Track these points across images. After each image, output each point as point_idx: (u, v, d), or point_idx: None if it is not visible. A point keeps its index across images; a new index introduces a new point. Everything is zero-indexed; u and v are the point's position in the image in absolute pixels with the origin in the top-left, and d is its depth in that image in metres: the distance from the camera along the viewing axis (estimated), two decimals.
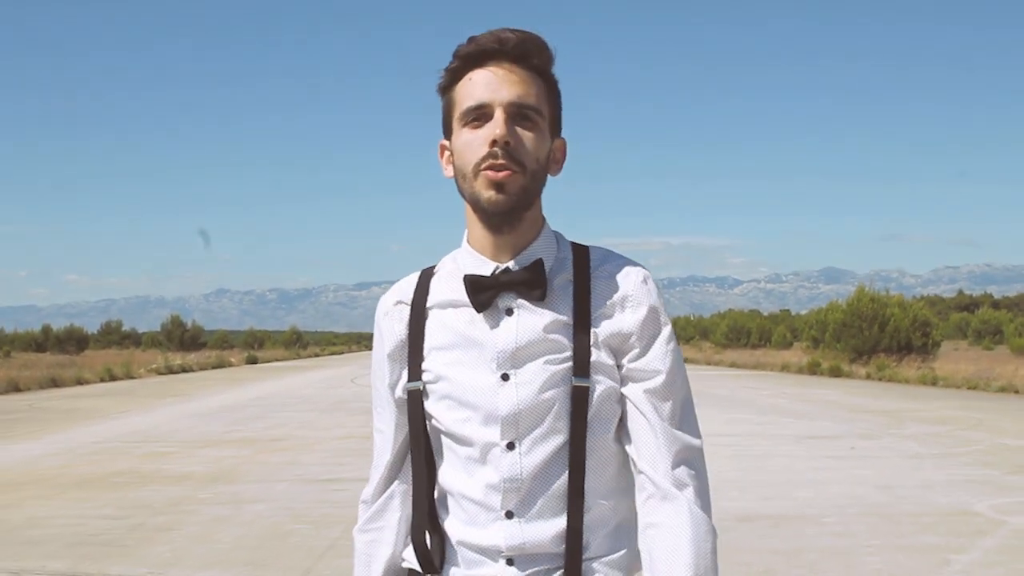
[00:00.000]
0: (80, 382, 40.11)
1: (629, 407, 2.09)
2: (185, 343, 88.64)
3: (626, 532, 2.14)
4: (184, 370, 55.16)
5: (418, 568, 2.19)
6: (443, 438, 2.13)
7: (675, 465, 2.05)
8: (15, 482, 12.77)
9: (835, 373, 42.42)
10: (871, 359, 43.23)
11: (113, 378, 43.65)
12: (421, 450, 2.16)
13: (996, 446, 15.95)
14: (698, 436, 2.10)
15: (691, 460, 2.07)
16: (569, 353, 2.05)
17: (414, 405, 2.14)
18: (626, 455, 2.12)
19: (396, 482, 2.26)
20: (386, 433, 2.24)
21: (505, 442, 2.04)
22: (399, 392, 2.18)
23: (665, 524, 2.02)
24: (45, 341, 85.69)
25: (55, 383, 38.18)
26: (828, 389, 32.76)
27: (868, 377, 39.72)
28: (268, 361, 78.77)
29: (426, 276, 2.21)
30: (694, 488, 2.05)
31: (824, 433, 18.15)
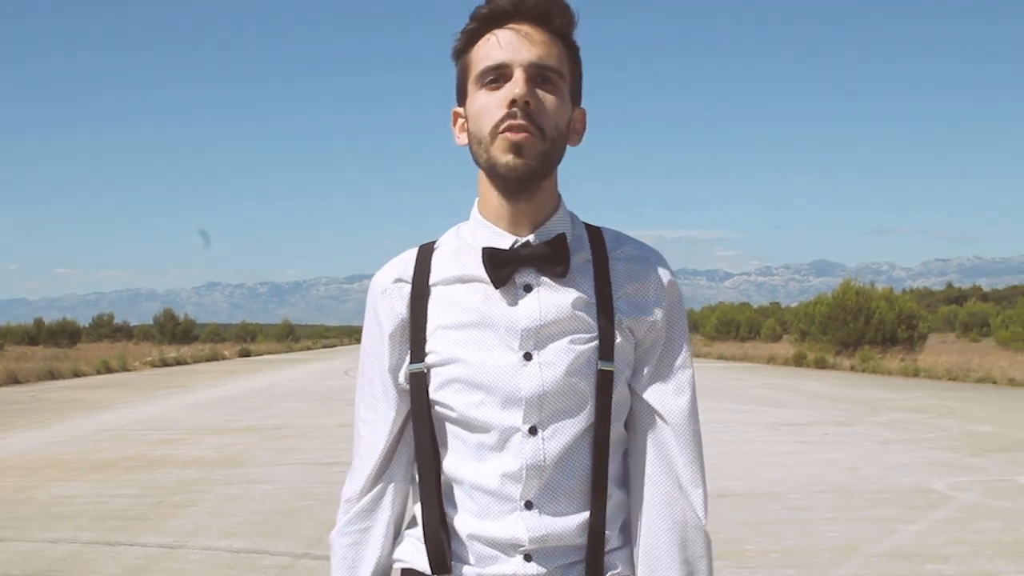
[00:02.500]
0: (77, 374, 40.49)
1: (644, 396, 1.98)
2: (177, 336, 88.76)
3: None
4: (179, 363, 55.52)
5: (423, 569, 1.99)
6: (448, 425, 1.96)
7: (692, 461, 1.98)
8: (32, 466, 13.41)
9: (820, 365, 43.06)
10: (856, 351, 43.90)
11: (110, 370, 44.13)
12: (428, 438, 1.97)
13: (964, 432, 16.68)
14: (698, 429, 2.01)
15: (700, 454, 2.00)
16: (595, 334, 1.91)
17: (417, 389, 1.96)
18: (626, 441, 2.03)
19: (386, 478, 2.06)
20: (377, 424, 2.04)
21: (527, 426, 1.88)
22: (402, 376, 2.00)
23: (674, 523, 1.97)
24: (38, 334, 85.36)
25: (53, 375, 38.64)
26: (811, 380, 33.43)
27: (852, 369, 40.30)
28: (261, 354, 79.08)
29: (426, 252, 2.03)
30: (702, 491, 2.00)
31: (801, 421, 18.89)
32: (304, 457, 14.06)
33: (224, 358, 66.31)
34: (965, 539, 8.35)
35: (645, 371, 1.96)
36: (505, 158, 1.83)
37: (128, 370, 46.17)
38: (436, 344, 1.93)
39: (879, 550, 7.95)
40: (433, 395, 1.92)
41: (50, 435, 17.57)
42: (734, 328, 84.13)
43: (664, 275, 1.99)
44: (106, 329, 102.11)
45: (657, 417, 1.96)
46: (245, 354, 74.69)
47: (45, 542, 8.49)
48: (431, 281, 1.97)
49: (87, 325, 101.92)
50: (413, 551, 2.01)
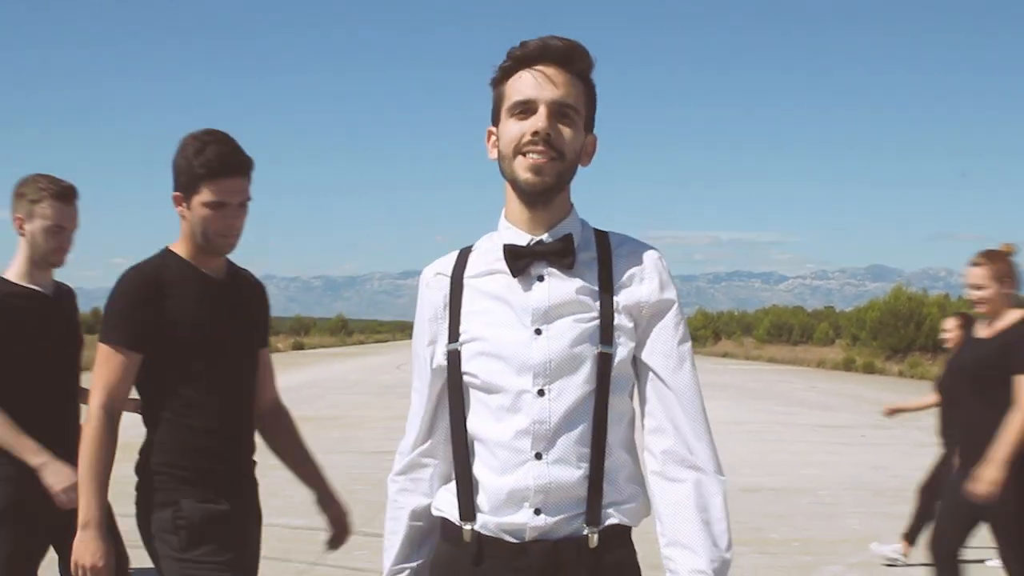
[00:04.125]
0: None
1: (646, 370, 2.32)
2: None
3: (637, 482, 2.35)
4: None
5: (454, 517, 2.34)
6: (474, 392, 2.31)
7: (696, 419, 2.28)
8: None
9: (869, 370, 42.99)
10: (906, 357, 43.80)
11: None
12: (459, 405, 2.34)
13: None
14: (700, 393, 2.32)
15: (701, 418, 2.30)
16: (595, 314, 2.27)
17: (453, 364, 2.33)
18: (634, 413, 2.35)
19: (431, 438, 2.45)
20: (422, 391, 2.44)
21: (536, 389, 2.24)
22: (439, 351, 2.37)
23: (683, 485, 2.25)
24: (95, 324, 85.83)
25: None
26: (858, 385, 33.62)
27: (900, 374, 40.10)
28: (314, 347, 79.54)
29: (464, 253, 2.43)
30: (707, 444, 2.28)
31: (842, 423, 19.27)
32: (358, 446, 14.71)
33: (278, 351, 66.81)
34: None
35: (650, 348, 2.30)
36: (525, 176, 2.25)
37: None
38: (468, 326, 2.32)
39: (895, 541, 8.41)
40: (464, 367, 2.30)
41: None
42: (787, 331, 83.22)
43: (659, 266, 2.34)
44: None
45: (663, 385, 2.29)
46: (299, 347, 75.09)
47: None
48: (466, 276, 2.37)
49: None
50: (446, 502, 2.37)
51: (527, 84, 2.26)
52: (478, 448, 2.31)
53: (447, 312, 2.37)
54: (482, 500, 2.29)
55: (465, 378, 2.32)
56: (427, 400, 2.42)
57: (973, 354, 5.63)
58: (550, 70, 2.26)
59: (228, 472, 3.48)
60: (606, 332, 2.26)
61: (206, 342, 3.45)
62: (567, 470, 2.23)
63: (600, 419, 2.25)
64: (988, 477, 5.23)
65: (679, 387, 2.30)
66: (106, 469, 3.35)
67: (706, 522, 2.24)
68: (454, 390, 2.34)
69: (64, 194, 4.33)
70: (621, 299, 2.30)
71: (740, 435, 16.73)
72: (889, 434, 17.28)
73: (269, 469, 11.33)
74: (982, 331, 5.64)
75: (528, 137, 2.24)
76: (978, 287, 5.51)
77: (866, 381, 36.53)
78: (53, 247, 4.32)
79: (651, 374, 2.32)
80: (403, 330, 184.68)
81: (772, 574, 7.38)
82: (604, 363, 2.25)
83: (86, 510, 3.32)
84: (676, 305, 2.34)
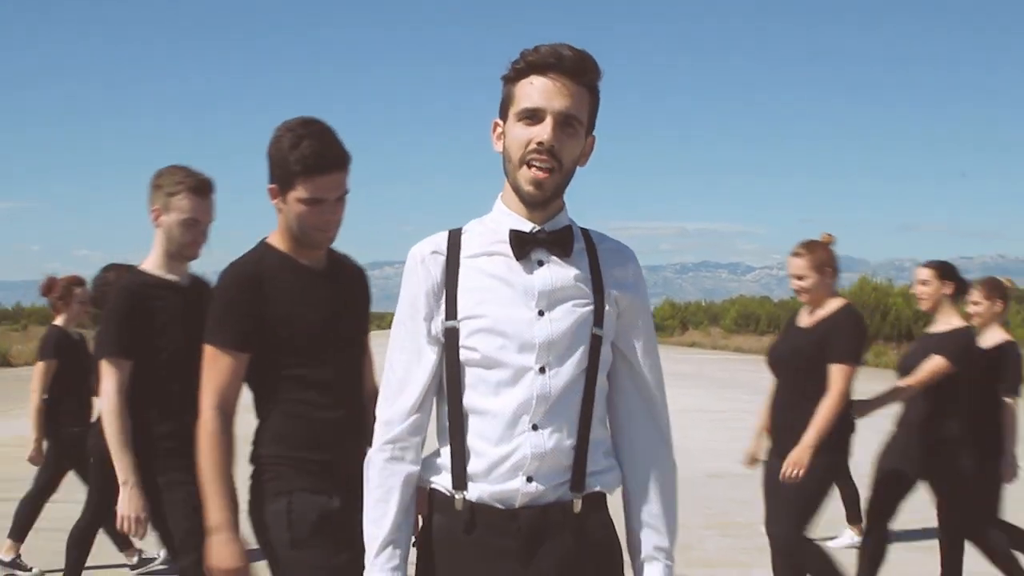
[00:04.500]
0: None
1: (622, 357, 2.56)
2: None
3: (612, 454, 2.56)
4: None
5: (446, 487, 2.46)
6: (471, 368, 2.44)
7: (662, 397, 2.59)
8: None
9: None
10: (871, 346, 44.16)
11: None
12: (456, 379, 2.45)
13: None
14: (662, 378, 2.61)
15: (666, 404, 2.60)
16: (590, 300, 2.47)
17: (451, 340, 2.44)
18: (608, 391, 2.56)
19: (423, 409, 2.51)
20: (420, 364, 2.49)
21: (539, 366, 2.40)
22: (436, 326, 2.47)
23: (653, 460, 2.54)
24: (22, 315, 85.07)
25: None
26: None
27: (865, 363, 40.20)
28: None
29: (455, 233, 2.54)
30: (667, 427, 2.61)
31: None
32: None
33: None
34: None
35: (628, 336, 2.54)
36: (527, 187, 2.41)
37: None
38: (466, 303, 2.44)
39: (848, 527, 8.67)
40: (463, 342, 2.43)
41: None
42: (754, 322, 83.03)
43: (637, 263, 2.59)
44: None
45: (636, 367, 2.55)
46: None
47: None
48: (463, 255, 2.49)
49: None
50: (436, 473, 2.49)
51: (537, 92, 2.39)
52: (473, 420, 2.44)
53: (444, 289, 2.48)
54: (476, 470, 2.42)
55: (463, 353, 2.44)
56: (426, 372, 2.49)
57: (792, 343, 5.86)
58: (561, 80, 2.39)
59: (340, 463, 3.35)
60: (599, 316, 2.47)
61: (311, 334, 3.40)
62: (559, 441, 2.41)
63: (589, 395, 2.45)
64: (796, 460, 5.51)
65: (653, 375, 2.57)
66: (227, 469, 3.33)
67: (669, 505, 2.54)
68: (451, 365, 2.46)
69: (200, 187, 4.31)
70: (609, 290, 2.50)
71: (706, 423, 17.04)
72: (857, 422, 17.51)
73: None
74: (804, 320, 5.87)
75: (533, 146, 2.38)
76: (799, 277, 5.74)
77: None
78: (188, 240, 4.31)
79: (628, 361, 2.55)
80: (373, 320, 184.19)
81: (735, 556, 7.61)
82: (596, 345, 2.46)
83: (215, 513, 3.30)
84: (648, 300, 2.62)
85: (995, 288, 6.72)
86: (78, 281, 7.64)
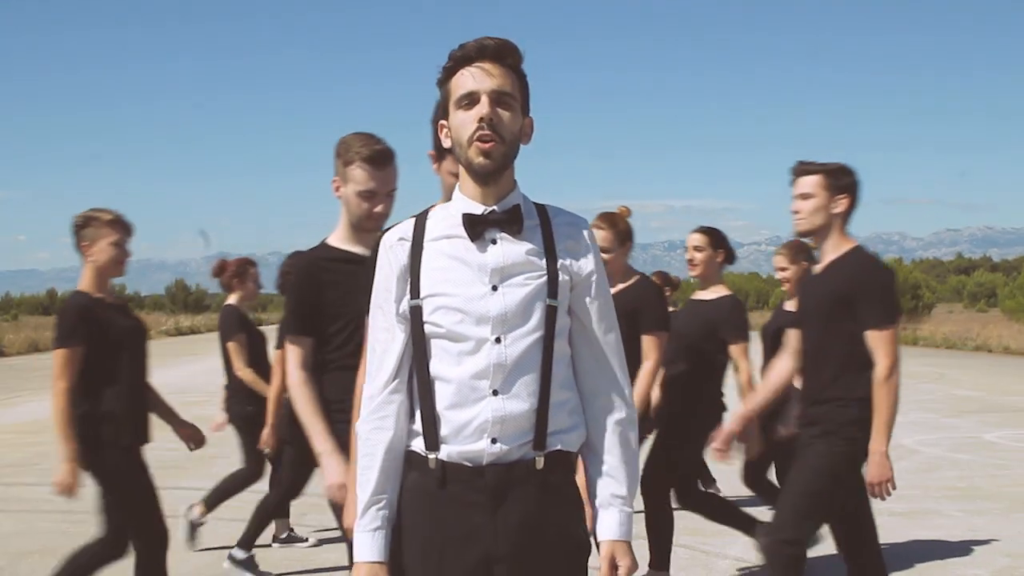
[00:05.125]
0: None
1: (580, 324, 2.74)
2: (189, 306, 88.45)
3: (577, 414, 2.74)
4: (193, 331, 56.34)
5: (420, 448, 2.68)
6: (436, 341, 2.66)
7: (619, 361, 2.77)
8: None
9: None
10: None
11: None
12: (423, 352, 2.68)
13: (947, 396, 17.61)
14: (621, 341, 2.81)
15: (625, 365, 2.80)
16: (543, 272, 2.65)
17: (416, 316, 2.67)
18: (571, 355, 2.75)
19: (399, 380, 2.72)
20: (393, 341, 2.72)
21: (494, 337, 2.61)
22: (404, 305, 2.69)
23: (611, 415, 2.74)
24: (51, 304, 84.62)
25: None
26: None
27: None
28: (273, 323, 79.41)
29: (421, 219, 2.77)
30: (630, 387, 2.81)
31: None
32: None
33: None
34: (920, 484, 9.29)
35: (583, 302, 2.73)
36: (478, 159, 2.61)
37: None
38: (428, 282, 2.66)
39: None
40: (427, 318, 2.65)
41: None
42: (743, 298, 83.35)
43: (590, 236, 2.78)
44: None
45: (593, 333, 2.75)
46: (258, 323, 75.04)
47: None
48: (425, 239, 2.71)
49: None
50: (412, 437, 2.71)
51: (469, 79, 2.62)
52: (440, 387, 2.65)
53: (408, 272, 2.70)
54: (445, 432, 2.65)
55: (428, 328, 2.66)
56: (398, 347, 2.71)
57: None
58: (487, 65, 2.62)
59: None
60: (552, 287, 2.66)
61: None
62: (519, 404, 2.61)
63: (547, 361, 2.65)
64: None
65: (611, 339, 2.77)
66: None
67: (628, 456, 2.74)
68: (417, 339, 2.68)
69: (376, 157, 4.16)
70: (562, 260, 2.69)
71: None
72: None
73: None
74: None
75: (475, 124, 2.59)
76: (606, 251, 5.77)
77: None
78: (365, 211, 4.17)
79: (585, 327, 2.75)
80: None
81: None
82: (551, 314, 2.65)
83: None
84: (603, 268, 2.79)
85: (800, 251, 6.81)
86: (251, 262, 7.93)
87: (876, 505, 8.09)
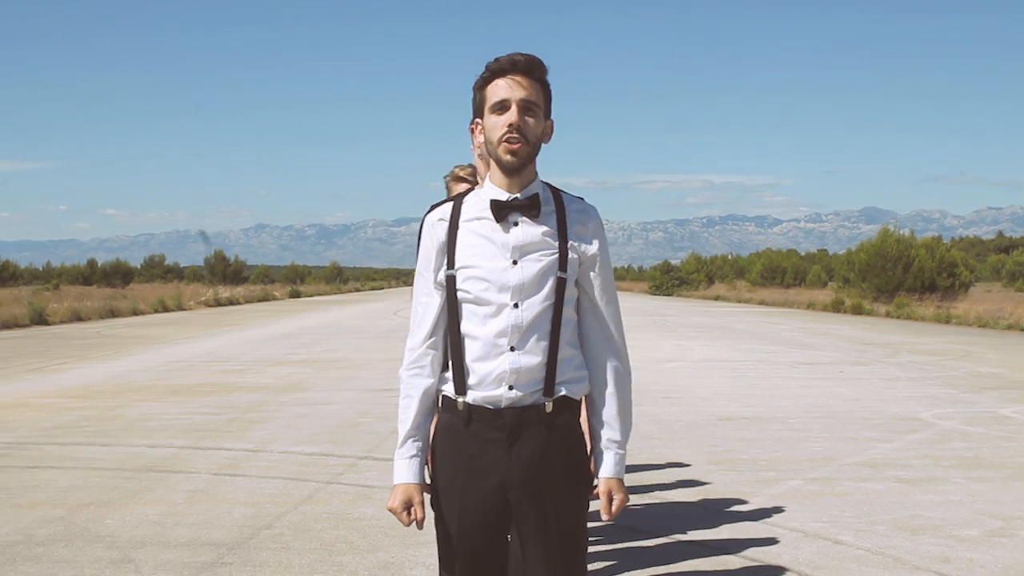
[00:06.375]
0: (136, 313, 42.37)
1: (586, 295, 3.24)
2: (228, 277, 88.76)
3: (580, 368, 3.23)
4: (232, 303, 56.89)
5: (451, 393, 3.19)
6: (466, 305, 3.16)
7: (617, 328, 3.28)
8: (115, 391, 14.92)
9: (857, 311, 43.56)
10: (893, 298, 44.27)
11: (167, 309, 45.95)
12: (455, 313, 3.18)
13: (970, 373, 17.78)
14: (621, 313, 3.33)
15: (622, 330, 3.31)
16: (555, 251, 3.14)
17: (450, 284, 3.17)
18: (576, 320, 3.25)
19: (435, 335, 3.24)
20: (432, 303, 3.23)
21: (513, 303, 3.10)
22: (441, 274, 3.19)
23: (609, 371, 3.24)
24: (91, 275, 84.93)
25: (113, 313, 40.56)
26: (844, 325, 34.25)
27: (887, 315, 40.68)
28: (310, 295, 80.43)
29: (458, 202, 3.27)
30: (626, 349, 3.31)
31: (823, 361, 20.08)
32: (362, 384, 15.56)
33: (275, 299, 67.91)
34: (931, 455, 9.64)
35: (588, 277, 3.23)
36: (506, 157, 3.12)
37: (184, 309, 48.01)
38: (461, 256, 3.17)
39: (852, 461, 9.32)
40: (459, 286, 3.16)
41: (124, 365, 19.06)
42: (780, 275, 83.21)
43: (599, 222, 3.27)
44: (157, 270, 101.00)
45: (595, 300, 3.25)
46: (295, 295, 76.01)
47: (145, 447, 10.00)
48: (460, 220, 3.21)
49: (139, 266, 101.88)
50: (446, 384, 3.24)
51: (502, 88, 3.11)
52: (469, 343, 3.16)
53: (446, 247, 3.20)
54: (472, 381, 3.15)
55: (460, 294, 3.17)
56: (435, 308, 3.23)
57: None
58: (518, 78, 3.11)
59: None
60: (562, 263, 3.15)
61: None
62: (532, 358, 3.12)
63: (556, 324, 3.15)
64: None
65: (609, 308, 3.27)
66: None
67: (623, 407, 3.26)
68: (451, 303, 3.19)
69: None
70: (572, 241, 3.19)
71: (721, 371, 17.69)
72: (867, 370, 18.12)
73: (281, 406, 12.22)
74: None
75: (505, 128, 3.09)
76: None
77: (852, 321, 37.13)
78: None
79: (589, 297, 3.24)
80: (398, 277, 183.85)
81: (738, 488, 8.17)
82: (560, 285, 3.15)
83: None
84: (607, 248, 3.28)
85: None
86: None
87: (883, 473, 8.64)
